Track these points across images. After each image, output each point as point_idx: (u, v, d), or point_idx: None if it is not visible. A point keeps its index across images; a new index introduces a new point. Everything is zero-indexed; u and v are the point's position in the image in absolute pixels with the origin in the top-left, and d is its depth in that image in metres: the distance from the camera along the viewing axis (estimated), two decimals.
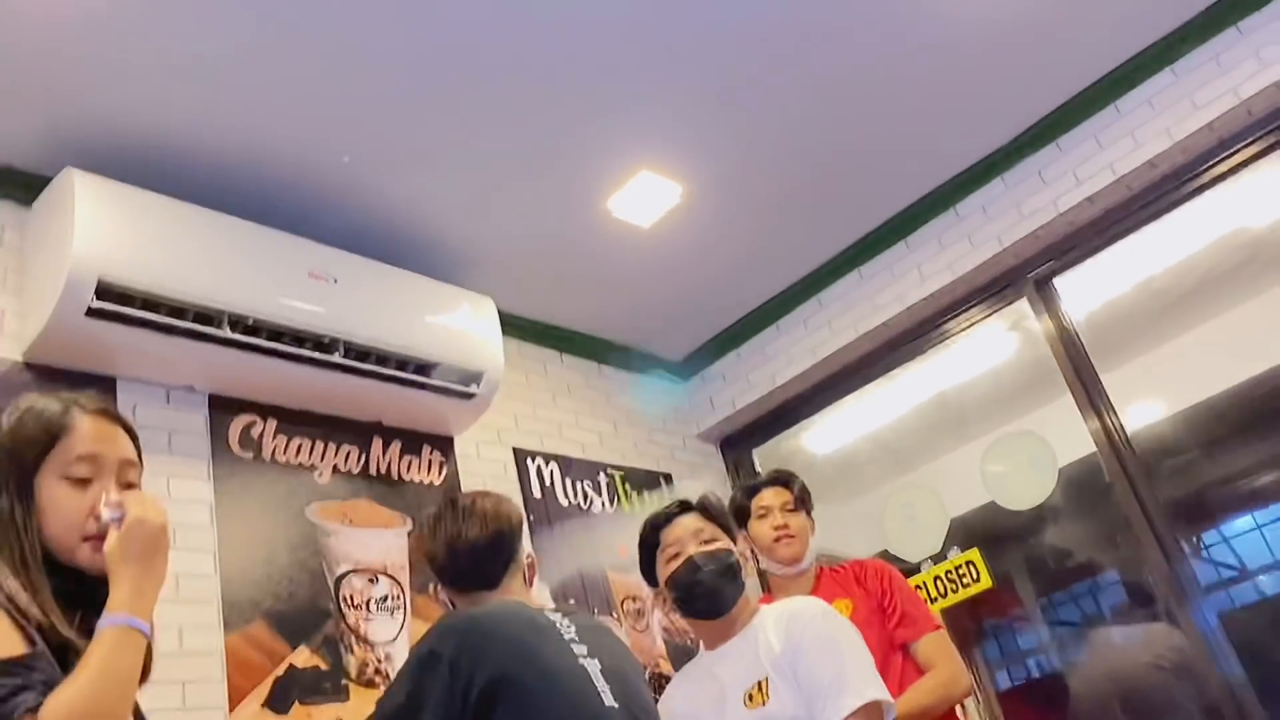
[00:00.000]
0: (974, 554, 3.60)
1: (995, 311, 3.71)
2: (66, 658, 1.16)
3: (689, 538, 2.09)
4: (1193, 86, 3.13)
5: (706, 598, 2.05)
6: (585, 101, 2.84)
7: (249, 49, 2.45)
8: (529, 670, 1.64)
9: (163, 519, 1.29)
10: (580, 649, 1.75)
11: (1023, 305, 3.64)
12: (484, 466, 3.38)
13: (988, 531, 3.81)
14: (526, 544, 1.98)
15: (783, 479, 2.74)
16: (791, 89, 2.98)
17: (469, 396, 3.12)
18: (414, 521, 3.02)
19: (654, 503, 3.85)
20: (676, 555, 2.09)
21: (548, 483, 3.55)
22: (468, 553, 1.86)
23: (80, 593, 1.24)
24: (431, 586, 1.95)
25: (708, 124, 3.04)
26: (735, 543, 2.15)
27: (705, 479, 4.19)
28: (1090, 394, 3.40)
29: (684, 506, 2.16)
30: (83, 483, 1.28)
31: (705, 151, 3.15)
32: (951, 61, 3.02)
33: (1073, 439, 3.47)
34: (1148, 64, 3.20)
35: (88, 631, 1.20)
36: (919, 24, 2.86)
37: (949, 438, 4.44)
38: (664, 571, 2.12)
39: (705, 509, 2.16)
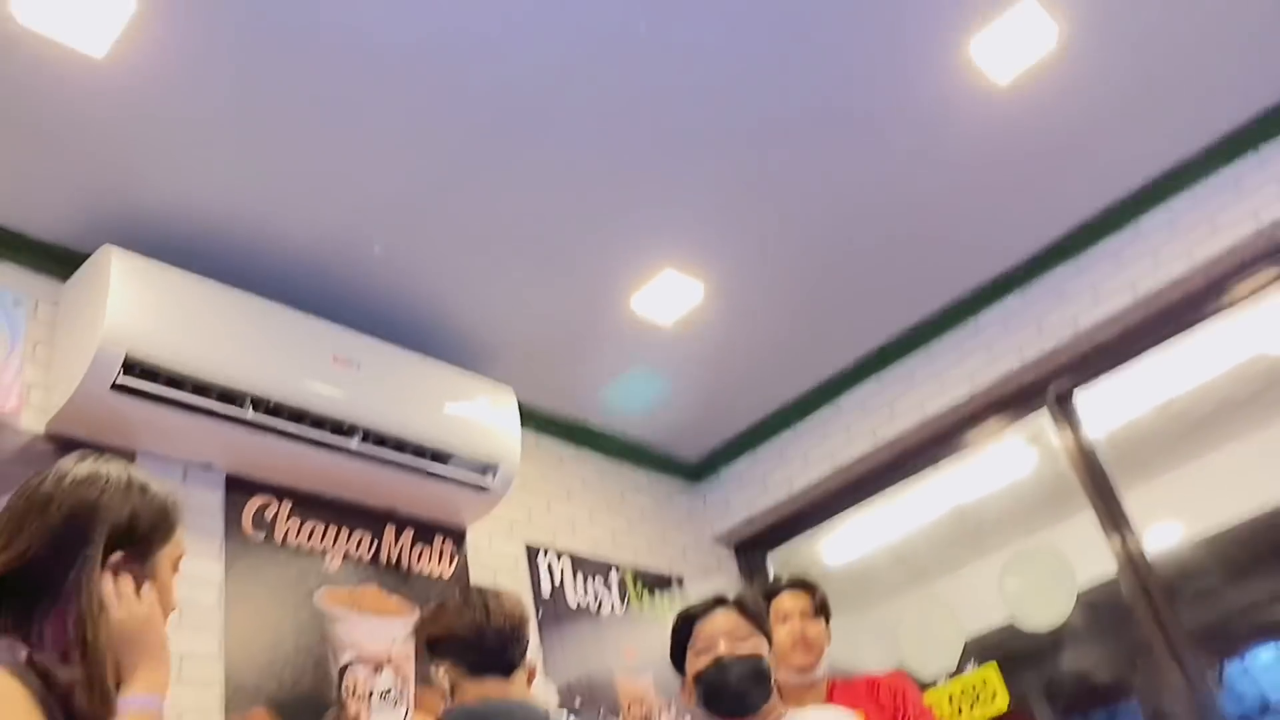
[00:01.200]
0: (991, 671, 3.51)
1: (1014, 424, 3.69)
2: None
3: (721, 636, 2.06)
4: (1214, 209, 3.16)
5: (733, 699, 2.01)
6: (611, 199, 2.90)
7: (286, 139, 2.52)
8: None
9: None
10: None
11: (1042, 419, 3.62)
12: (495, 560, 3.35)
13: (1005, 651, 3.72)
14: (533, 647, 1.98)
15: (805, 585, 2.71)
16: (816, 193, 3.03)
17: (483, 488, 3.11)
18: (421, 611, 2.97)
19: (665, 604, 3.80)
20: (707, 651, 2.06)
21: (558, 580, 3.51)
22: (495, 635, 1.86)
23: None
24: (434, 668, 1.91)
25: (732, 224, 3.10)
26: (769, 643, 2.12)
27: (718, 582, 4.13)
28: (1110, 513, 3.35)
29: (720, 601, 2.14)
30: (176, 574, 1.36)
31: (729, 251, 3.19)
32: (976, 173, 3.08)
33: (1092, 558, 3.41)
34: (1169, 185, 3.24)
35: None
36: (945, 134, 2.92)
37: (966, 551, 4.37)
38: (692, 666, 2.08)
39: (742, 607, 2.13)
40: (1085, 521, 3.42)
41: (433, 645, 1.91)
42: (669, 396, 3.81)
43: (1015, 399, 3.63)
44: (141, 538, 1.30)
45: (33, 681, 1.11)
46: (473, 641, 1.86)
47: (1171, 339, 3.37)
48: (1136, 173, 3.24)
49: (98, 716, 1.16)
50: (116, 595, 1.26)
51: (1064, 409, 3.55)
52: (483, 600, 1.90)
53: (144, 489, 1.33)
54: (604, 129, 2.68)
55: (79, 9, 2.11)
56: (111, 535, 1.26)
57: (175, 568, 1.36)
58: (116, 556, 1.26)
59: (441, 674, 1.88)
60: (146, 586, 1.29)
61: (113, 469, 1.33)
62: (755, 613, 2.14)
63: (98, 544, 1.24)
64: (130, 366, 2.40)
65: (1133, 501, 3.37)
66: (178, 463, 2.66)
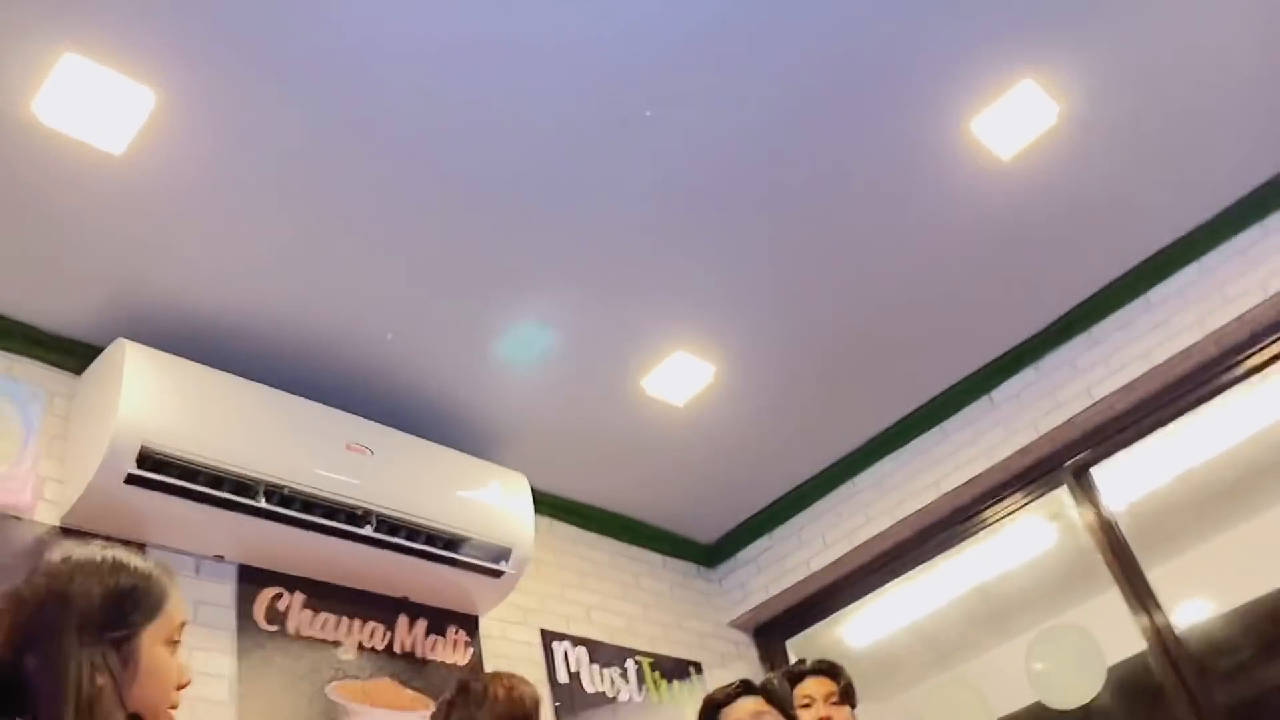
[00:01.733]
0: None
1: (1034, 500, 3.65)
2: None
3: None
4: (1223, 279, 3.17)
5: None
6: (620, 283, 2.93)
7: (297, 231, 2.56)
8: None
9: None
10: None
11: (1062, 494, 3.58)
12: (510, 648, 3.29)
13: None
14: None
15: (829, 670, 2.68)
16: (825, 272, 3.06)
17: (498, 573, 3.08)
18: (435, 703, 2.92)
19: (684, 693, 3.72)
20: None
21: (574, 667, 3.45)
22: None
23: None
24: None
25: (742, 306, 3.11)
26: None
27: (737, 670, 4.05)
28: (1135, 588, 3.30)
29: (746, 688, 2.14)
30: (175, 647, 1.31)
31: (739, 332, 3.21)
32: (985, 247, 3.10)
33: (1120, 635, 3.34)
34: (1178, 256, 3.26)
35: None
36: (952, 210, 2.95)
37: (991, 631, 4.29)
38: None
39: (768, 693, 2.13)
40: (1111, 598, 3.36)
41: None
42: (683, 479, 3.79)
43: (1033, 473, 3.61)
44: (119, 619, 1.25)
45: None
46: None
47: (1190, 409, 3.35)
48: (1145, 245, 3.26)
49: None
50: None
51: (1083, 483, 3.51)
52: (466, 704, 1.90)
53: (118, 568, 1.29)
54: (612, 214, 2.72)
55: (100, 107, 2.16)
56: (85, 620, 1.22)
57: (172, 642, 1.31)
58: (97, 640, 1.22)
59: None
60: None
61: (87, 552, 1.30)
62: (780, 700, 2.13)
63: (69, 632, 1.21)
64: (144, 459, 2.40)
65: (1158, 575, 3.32)
66: (190, 556, 2.65)
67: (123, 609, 1.26)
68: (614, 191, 2.66)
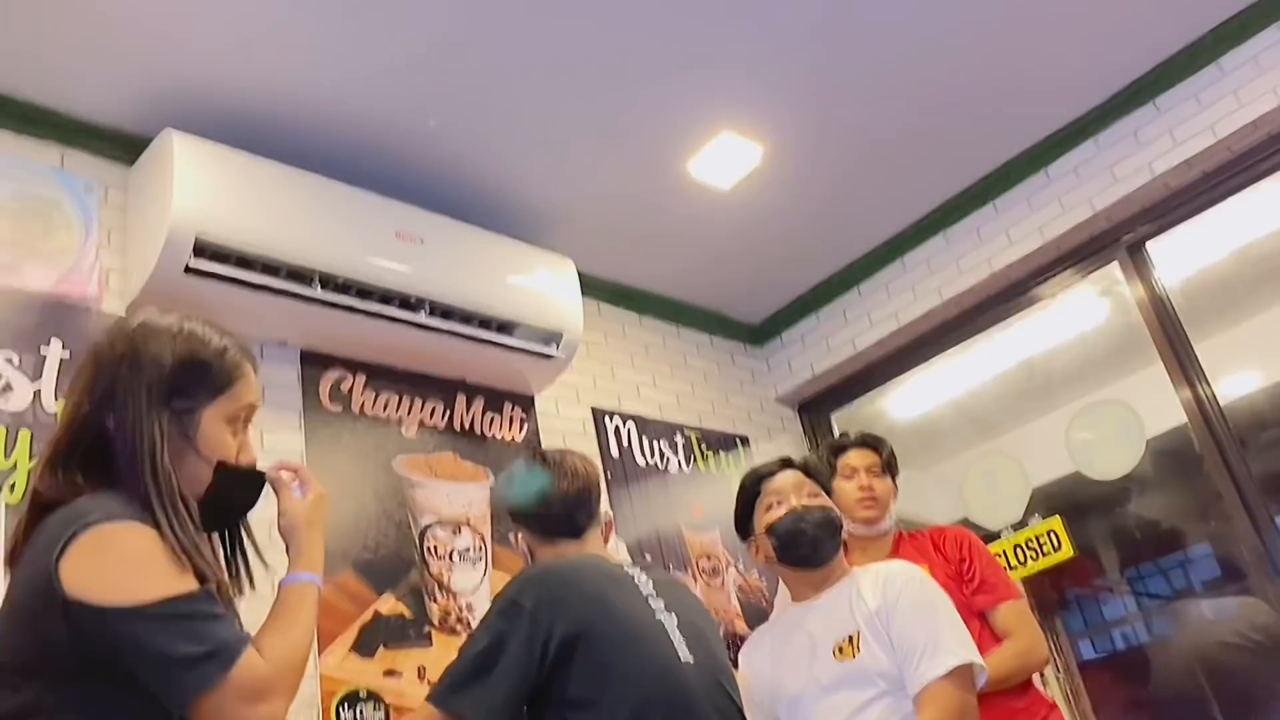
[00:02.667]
0: (1056, 522, 3.55)
1: (1085, 276, 3.62)
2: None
3: (791, 490, 2.13)
4: None
5: (809, 545, 2.08)
6: (665, 63, 2.83)
7: (340, 16, 2.49)
8: (607, 623, 1.68)
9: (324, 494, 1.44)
10: (657, 604, 1.79)
11: (1114, 270, 3.54)
12: (563, 424, 3.43)
13: (1072, 501, 3.75)
14: (605, 504, 2.05)
15: (871, 442, 2.75)
16: (875, 46, 2.93)
17: (549, 356, 3.17)
18: (496, 476, 3.09)
19: (730, 465, 3.88)
20: (779, 504, 2.12)
21: (625, 442, 3.59)
22: (559, 502, 1.94)
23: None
24: (512, 535, 2.02)
25: (789, 83, 3.01)
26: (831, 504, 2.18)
27: (782, 442, 4.19)
28: (1182, 363, 3.31)
29: (787, 463, 2.21)
30: (240, 427, 1.35)
31: (787, 111, 3.12)
32: (1043, 14, 2.94)
33: (1162, 409, 3.38)
34: (1255, 19, 3.06)
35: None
36: None
37: (1034, 405, 4.36)
38: (764, 519, 2.14)
39: (808, 468, 2.20)
40: (1155, 372, 3.38)
41: (510, 514, 2.02)
42: (729, 261, 3.79)
43: (1087, 250, 3.55)
44: (183, 390, 1.28)
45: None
46: (539, 510, 1.95)
47: (1254, 183, 3.24)
48: (1220, 7, 3.07)
49: (189, 550, 1.21)
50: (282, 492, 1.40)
51: (1136, 259, 3.46)
52: (547, 467, 1.97)
53: (191, 338, 1.31)
54: None
55: None
56: (152, 385, 1.26)
57: (240, 420, 1.34)
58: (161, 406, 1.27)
59: (520, 539, 1.99)
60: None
61: (165, 320, 1.33)
62: (820, 474, 2.21)
63: (139, 394, 1.25)
64: (200, 249, 2.45)
65: (1206, 350, 3.32)
66: (254, 341, 2.74)
67: (188, 381, 1.28)
68: None
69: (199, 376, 1.30)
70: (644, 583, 1.83)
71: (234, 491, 1.36)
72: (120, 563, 1.15)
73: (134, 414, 1.25)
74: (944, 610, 1.94)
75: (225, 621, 1.18)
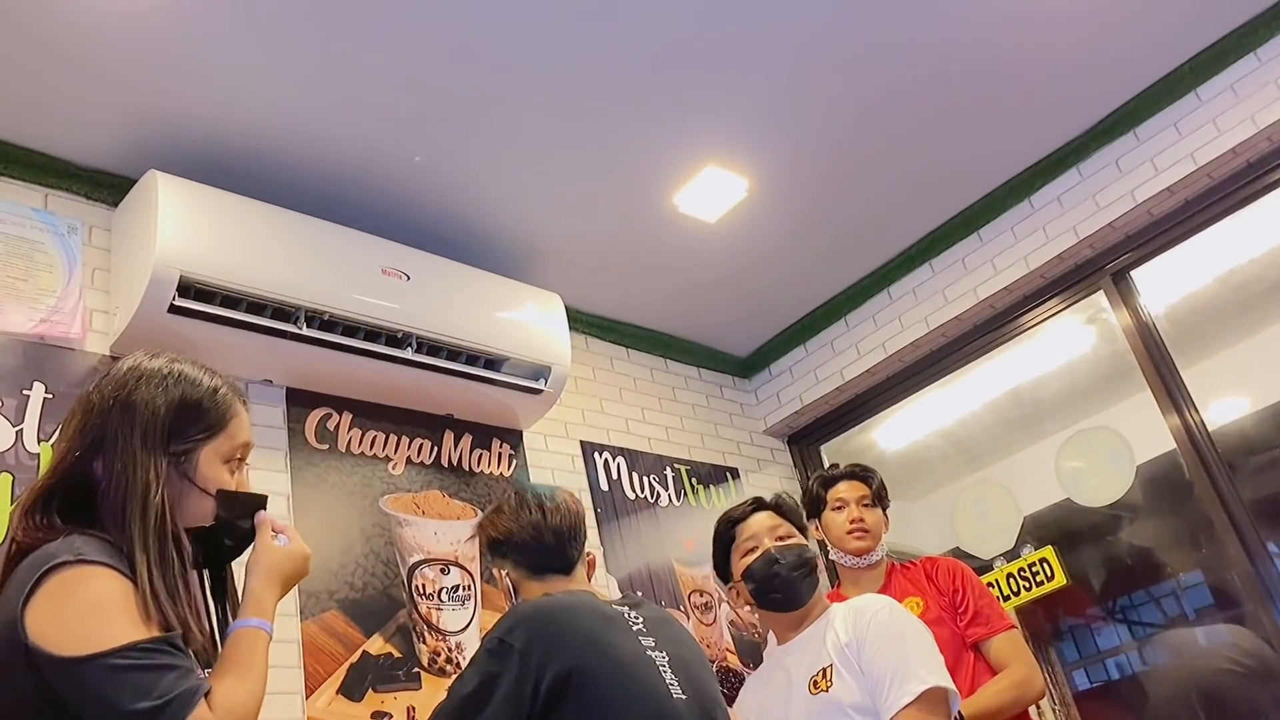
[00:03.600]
0: (1048, 551, 3.54)
1: (1071, 305, 3.63)
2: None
3: (765, 533, 2.13)
4: (1278, 71, 3.03)
5: (784, 588, 2.07)
6: (651, 97, 2.85)
7: (324, 55, 2.50)
8: (599, 662, 1.65)
9: (308, 554, 1.41)
10: (648, 641, 1.77)
11: (1100, 299, 3.56)
12: (552, 460, 3.41)
13: (1063, 529, 3.74)
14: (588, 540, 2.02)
15: (861, 474, 2.75)
16: (861, 79, 2.95)
17: (537, 391, 3.15)
18: (483, 513, 3.06)
19: (721, 497, 3.86)
20: (754, 549, 2.11)
21: (615, 476, 3.57)
22: (552, 535, 1.90)
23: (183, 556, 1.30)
24: (496, 570, 1.97)
25: (774, 117, 3.03)
26: (806, 541, 2.18)
27: (772, 474, 4.18)
28: (1170, 389, 3.31)
29: (758, 504, 2.21)
30: (237, 465, 1.35)
31: (772, 145, 3.13)
32: (1027, 48, 2.97)
33: (1151, 435, 3.39)
34: (1230, 48, 3.10)
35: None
36: (991, 9, 2.81)
37: (1023, 434, 4.36)
38: (740, 565, 2.14)
39: (779, 508, 2.20)
40: (1143, 399, 3.38)
41: (493, 547, 1.95)
42: (716, 293, 3.80)
43: (1072, 279, 3.57)
44: (179, 432, 1.28)
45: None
46: (531, 543, 1.90)
47: (1237, 209, 3.27)
48: (1196, 38, 3.11)
49: (164, 594, 1.18)
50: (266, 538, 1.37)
51: (1121, 286, 3.48)
52: (538, 501, 1.94)
53: (183, 380, 1.31)
54: (643, 29, 2.61)
55: None
56: (147, 429, 1.25)
57: (235, 459, 1.33)
58: (157, 451, 1.26)
59: (504, 575, 1.93)
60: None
61: (155, 364, 1.32)
62: (792, 512, 2.22)
63: (132, 439, 1.25)
64: (185, 288, 2.44)
65: (1194, 376, 3.33)
66: (240, 380, 2.71)
67: (184, 423, 1.28)
68: (648, 5, 2.54)
69: (194, 419, 1.30)
70: (634, 620, 1.80)
71: (238, 516, 1.35)
72: (78, 609, 1.11)
73: (127, 458, 1.24)
74: (913, 637, 1.92)
75: (180, 672, 1.12)
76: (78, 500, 1.24)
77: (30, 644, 1.09)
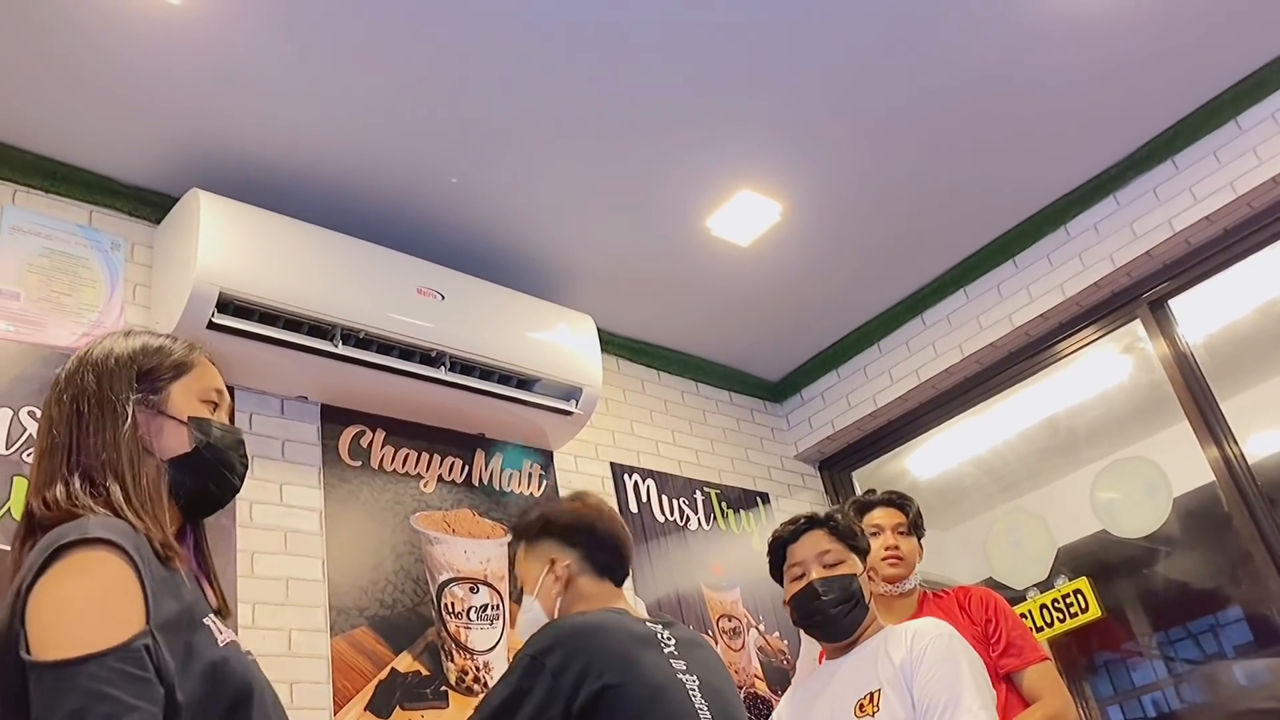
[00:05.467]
0: (1083, 583, 3.49)
1: (1108, 333, 3.60)
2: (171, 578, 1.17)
3: (813, 559, 2.09)
4: None
5: (826, 624, 2.06)
6: (686, 121, 2.87)
7: (363, 77, 2.54)
8: (632, 684, 1.64)
9: None
10: (679, 664, 1.75)
11: (1136, 328, 3.52)
12: (582, 480, 3.42)
13: (1098, 561, 3.68)
14: None
15: (898, 501, 2.72)
16: (895, 104, 2.95)
17: (568, 412, 3.16)
18: (513, 533, 3.07)
19: (751, 522, 3.84)
20: (800, 577, 2.09)
21: (644, 499, 3.57)
22: (611, 539, 1.88)
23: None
24: (557, 555, 1.86)
25: (809, 141, 3.04)
26: (863, 560, 2.14)
27: (803, 500, 4.16)
28: (1208, 420, 3.27)
29: (811, 522, 2.16)
30: (213, 409, 1.34)
31: (806, 169, 3.14)
32: (1065, 76, 2.96)
33: (1189, 467, 3.33)
34: (1272, 77, 3.08)
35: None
36: (1028, 37, 2.81)
37: (1058, 463, 4.31)
38: (788, 589, 2.12)
39: (833, 527, 2.14)
40: (1180, 430, 3.34)
41: (564, 533, 1.87)
42: (749, 317, 3.80)
43: (1108, 307, 3.54)
44: (147, 373, 1.30)
45: (134, 551, 1.13)
46: (612, 544, 1.86)
47: (1277, 239, 3.23)
48: (1236, 67, 3.08)
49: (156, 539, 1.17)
50: None
51: (1159, 316, 3.44)
52: (601, 509, 1.91)
53: (135, 335, 1.34)
54: (679, 53, 2.64)
55: None
56: (110, 378, 1.27)
57: (209, 400, 1.33)
58: (125, 394, 1.26)
59: (565, 563, 1.84)
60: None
61: (114, 331, 1.36)
62: (847, 532, 2.15)
63: (99, 385, 1.26)
64: (224, 305, 2.48)
65: (1233, 407, 3.28)
66: (275, 397, 2.76)
67: (148, 366, 1.30)
68: (678, 31, 2.57)
69: (157, 360, 1.32)
70: (666, 640, 1.79)
71: (217, 442, 1.31)
72: (61, 605, 1.07)
73: (95, 407, 1.25)
74: (968, 668, 1.90)
75: (116, 706, 1.01)
76: (79, 473, 1.22)
77: (20, 637, 1.06)
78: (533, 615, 1.83)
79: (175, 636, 1.12)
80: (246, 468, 1.37)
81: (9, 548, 1.25)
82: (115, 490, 1.19)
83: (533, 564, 1.87)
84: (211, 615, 1.21)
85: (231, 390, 2.58)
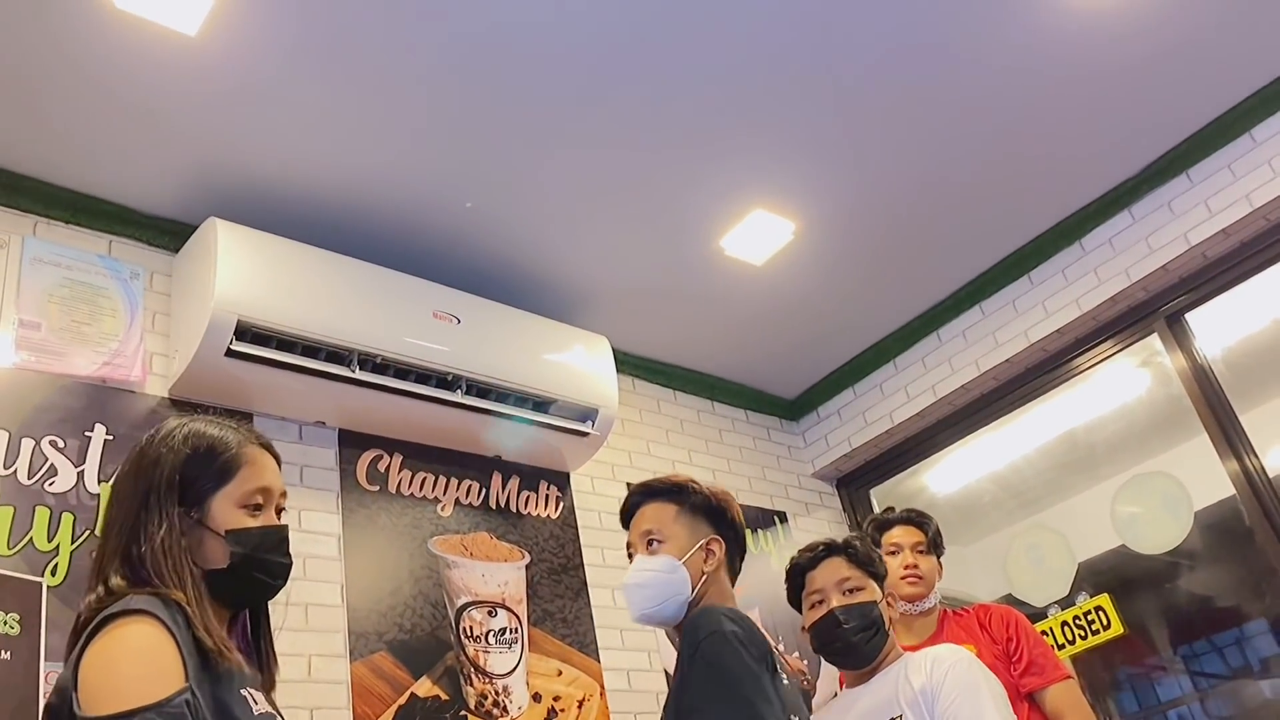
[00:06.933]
0: (1104, 599, 3.46)
1: (1125, 348, 3.58)
2: (217, 663, 1.26)
3: (832, 587, 2.07)
4: None
5: (845, 652, 2.05)
6: (698, 141, 2.88)
7: (377, 104, 2.57)
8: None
9: None
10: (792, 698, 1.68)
11: (1154, 342, 3.51)
12: (600, 502, 3.42)
13: (1119, 576, 3.66)
14: None
15: (917, 519, 2.72)
16: (909, 120, 2.96)
17: (584, 433, 3.17)
18: (531, 555, 3.07)
19: (769, 542, 3.83)
20: (820, 604, 2.08)
21: None
22: (744, 546, 1.89)
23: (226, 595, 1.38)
24: (714, 537, 1.85)
25: (822, 160, 3.04)
26: (881, 586, 2.12)
27: (821, 518, 4.14)
28: (1228, 434, 3.25)
29: (830, 549, 2.14)
30: (256, 510, 1.40)
31: (819, 188, 3.14)
32: (1076, 90, 2.96)
33: (1209, 481, 3.31)
34: None
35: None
36: (1042, 53, 2.81)
37: (1078, 478, 4.28)
38: (807, 616, 2.11)
39: (852, 554, 2.12)
40: (1200, 444, 3.32)
41: (727, 522, 1.87)
42: (764, 336, 3.80)
43: (1125, 321, 3.53)
44: (190, 484, 1.37)
45: (171, 623, 1.23)
46: (743, 550, 1.89)
47: None
48: (1250, 80, 3.08)
49: (209, 642, 1.25)
50: None
51: (1176, 330, 3.43)
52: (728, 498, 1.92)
53: (191, 436, 1.39)
54: (692, 73, 2.65)
55: None
56: (157, 485, 1.35)
57: (252, 505, 1.39)
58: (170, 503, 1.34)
59: (720, 546, 1.84)
60: None
61: (171, 424, 1.42)
62: (865, 558, 2.14)
63: (140, 496, 1.35)
64: (242, 332, 2.50)
65: (1252, 420, 3.26)
66: (293, 422, 2.78)
67: (192, 474, 1.37)
68: (691, 49, 2.58)
69: (201, 469, 1.38)
70: (782, 670, 1.70)
71: (253, 552, 1.37)
72: (105, 667, 1.18)
73: (136, 515, 1.34)
74: (988, 693, 1.89)
75: None
76: (126, 564, 1.33)
77: (73, 699, 1.16)
78: (675, 580, 1.77)
79: (208, 694, 1.21)
80: (289, 566, 1.44)
81: (28, 576, 1.33)
82: (159, 585, 1.28)
83: (684, 530, 1.83)
84: (250, 689, 1.29)
85: (250, 417, 2.63)
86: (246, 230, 2.63)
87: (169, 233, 2.76)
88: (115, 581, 1.29)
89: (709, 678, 1.53)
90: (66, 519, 2.26)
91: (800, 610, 2.17)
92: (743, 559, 1.88)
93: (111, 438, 2.41)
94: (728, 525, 1.86)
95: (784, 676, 1.68)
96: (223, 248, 2.54)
